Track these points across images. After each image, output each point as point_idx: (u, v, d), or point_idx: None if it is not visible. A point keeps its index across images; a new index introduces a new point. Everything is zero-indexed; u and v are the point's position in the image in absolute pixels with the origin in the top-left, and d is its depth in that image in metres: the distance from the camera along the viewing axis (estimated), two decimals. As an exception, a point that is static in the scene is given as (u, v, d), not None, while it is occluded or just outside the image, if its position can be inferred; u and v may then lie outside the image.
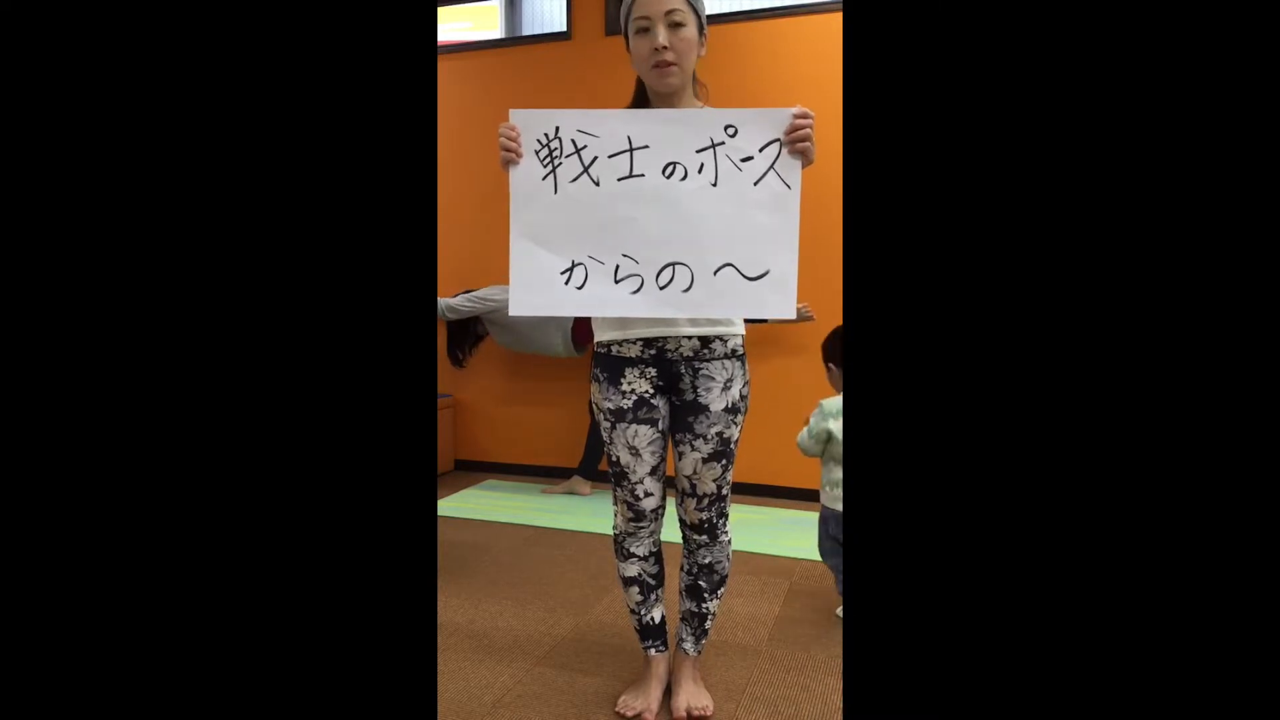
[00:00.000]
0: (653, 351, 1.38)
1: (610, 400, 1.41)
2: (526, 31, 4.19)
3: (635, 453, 1.43)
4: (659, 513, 1.51)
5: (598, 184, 1.28)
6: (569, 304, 1.31)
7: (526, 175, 1.31)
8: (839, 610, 2.00)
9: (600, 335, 1.43)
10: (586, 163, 1.29)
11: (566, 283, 1.30)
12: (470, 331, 3.28)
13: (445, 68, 3.55)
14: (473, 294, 3.17)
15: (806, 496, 3.10)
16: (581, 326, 3.05)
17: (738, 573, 2.31)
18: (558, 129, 1.29)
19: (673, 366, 1.39)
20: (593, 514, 2.92)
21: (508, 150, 1.30)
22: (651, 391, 1.40)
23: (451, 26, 3.88)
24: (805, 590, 2.19)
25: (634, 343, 1.39)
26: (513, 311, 1.34)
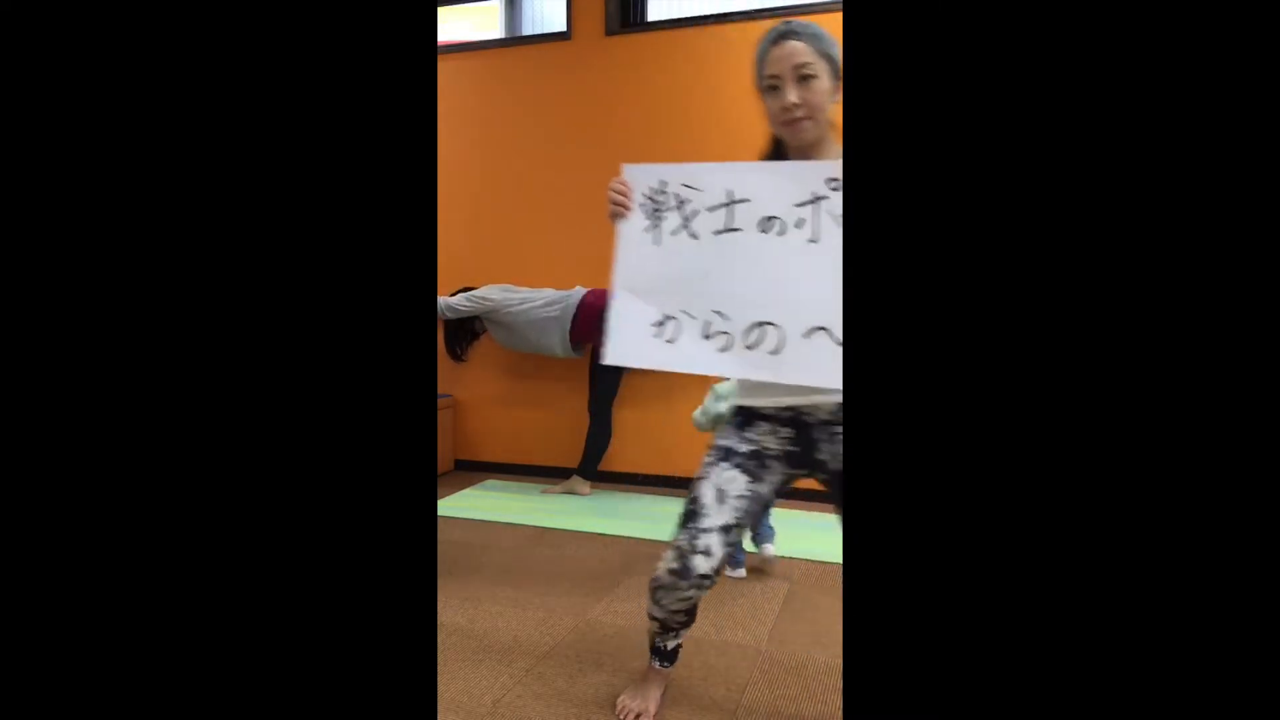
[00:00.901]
0: (789, 412, 1.33)
1: (726, 439, 1.36)
2: (526, 31, 4.19)
3: (721, 497, 1.32)
4: (705, 583, 1.33)
5: (696, 237, 1.28)
6: (659, 358, 1.30)
7: (632, 228, 1.33)
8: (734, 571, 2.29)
9: (740, 400, 1.39)
10: (687, 216, 1.28)
11: (658, 336, 1.30)
12: (468, 329, 3.29)
13: (445, 68, 3.55)
14: (472, 293, 3.18)
15: (807, 496, 3.10)
16: (580, 327, 3.05)
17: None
18: (665, 183, 1.30)
19: (809, 430, 1.32)
20: (593, 514, 2.92)
21: (617, 205, 1.31)
22: (776, 453, 1.34)
23: (451, 26, 3.88)
24: (805, 590, 2.19)
25: (772, 407, 1.34)
26: (605, 360, 1.35)
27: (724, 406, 2.19)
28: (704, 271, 1.27)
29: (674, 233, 1.29)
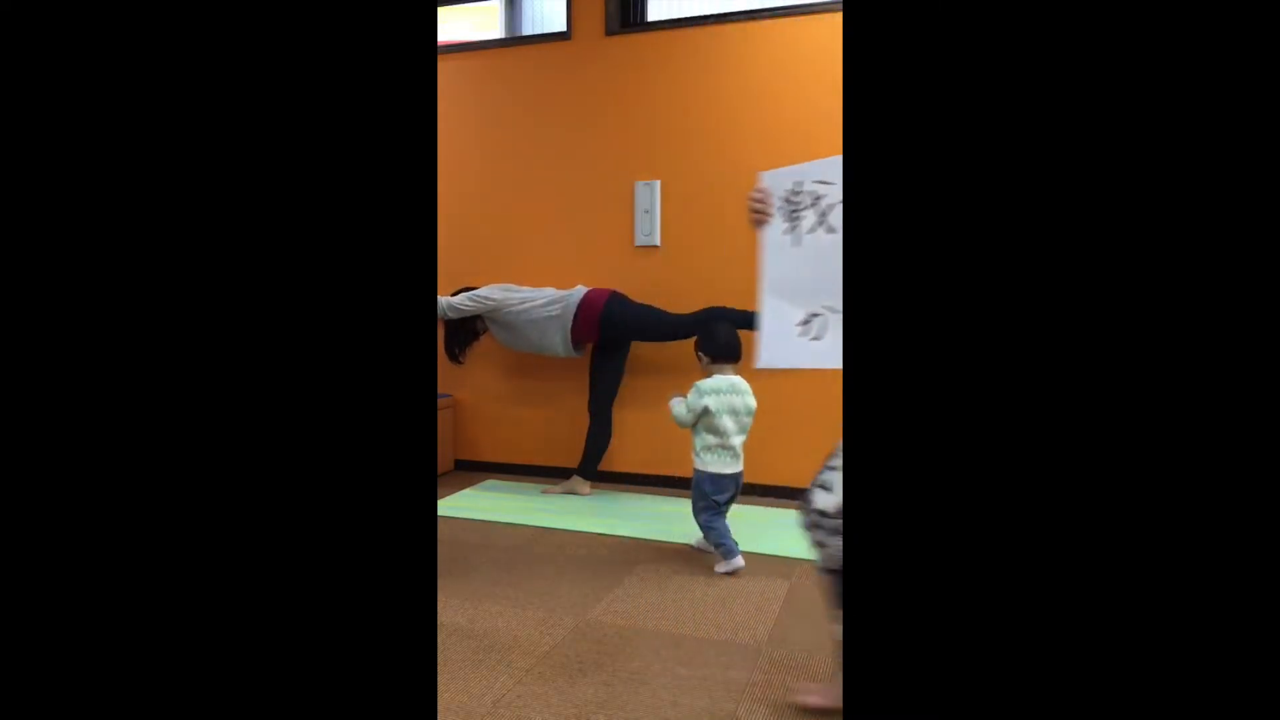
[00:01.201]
0: None
1: None
2: (526, 31, 4.19)
3: None
4: (822, 520, 1.35)
5: (833, 230, 1.29)
6: (806, 356, 1.32)
7: (773, 232, 1.35)
8: (717, 567, 2.32)
9: None
10: (823, 211, 1.29)
11: (804, 335, 1.31)
12: (468, 329, 3.29)
13: (445, 68, 3.55)
14: (473, 293, 3.17)
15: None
16: (581, 326, 3.05)
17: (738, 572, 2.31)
18: (801, 183, 1.31)
19: None
20: (593, 514, 2.92)
21: (759, 212, 1.33)
22: None
23: (451, 26, 3.88)
24: (805, 590, 2.19)
25: None
26: (757, 365, 1.37)
27: (709, 401, 2.31)
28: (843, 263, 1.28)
29: (811, 230, 1.31)
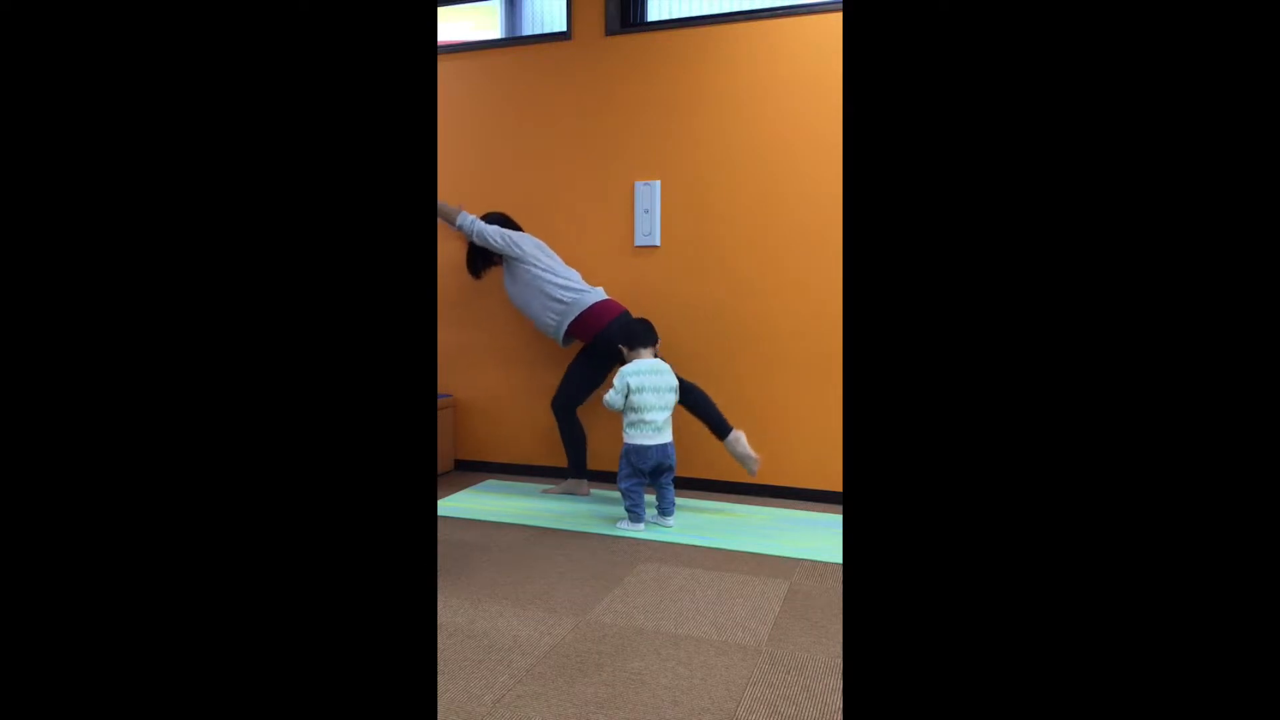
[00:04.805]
0: None
1: None
2: (526, 31, 4.19)
3: None
4: None
5: None
6: None
7: None
8: (620, 524, 2.72)
9: None
10: None
11: None
12: (489, 256, 3.23)
13: (445, 68, 3.55)
14: (507, 233, 3.04)
15: (806, 497, 3.10)
16: (579, 327, 3.02)
17: (738, 572, 2.31)
18: None
19: None
20: (593, 514, 2.92)
21: None
22: None
23: (451, 26, 3.89)
24: (805, 590, 2.19)
25: None
26: None
27: (632, 380, 2.65)
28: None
29: None
